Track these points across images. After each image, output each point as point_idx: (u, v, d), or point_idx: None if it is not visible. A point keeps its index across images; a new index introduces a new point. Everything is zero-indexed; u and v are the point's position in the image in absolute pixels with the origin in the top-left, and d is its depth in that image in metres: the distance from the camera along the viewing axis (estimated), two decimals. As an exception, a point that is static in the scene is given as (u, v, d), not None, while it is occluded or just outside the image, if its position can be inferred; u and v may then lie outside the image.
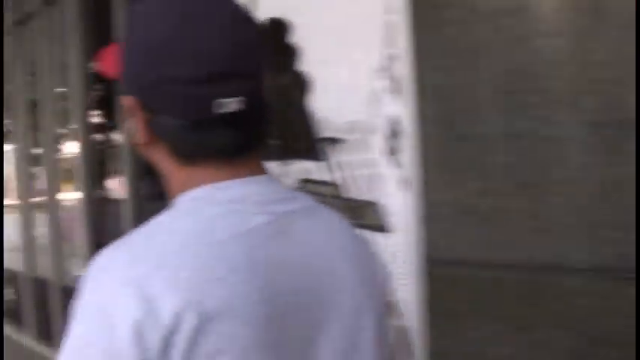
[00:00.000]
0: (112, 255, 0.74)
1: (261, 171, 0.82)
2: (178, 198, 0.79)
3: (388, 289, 0.94)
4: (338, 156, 2.15)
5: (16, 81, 5.22)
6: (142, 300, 0.68)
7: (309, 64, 2.23)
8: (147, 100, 0.78)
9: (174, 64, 0.74)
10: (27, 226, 5.34)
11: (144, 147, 0.82)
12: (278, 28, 2.30)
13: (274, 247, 0.76)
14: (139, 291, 0.68)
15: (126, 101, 0.81)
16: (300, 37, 2.25)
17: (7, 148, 5.69)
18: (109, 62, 0.88)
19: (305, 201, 0.85)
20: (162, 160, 0.81)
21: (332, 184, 2.19)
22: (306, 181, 2.27)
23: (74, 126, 4.37)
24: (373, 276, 0.88)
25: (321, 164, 2.21)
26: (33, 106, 5.02)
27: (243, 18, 0.79)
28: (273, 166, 2.25)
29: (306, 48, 2.24)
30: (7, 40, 5.18)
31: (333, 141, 2.17)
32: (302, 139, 2.28)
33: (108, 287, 0.70)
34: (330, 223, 0.86)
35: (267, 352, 0.72)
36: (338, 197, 2.15)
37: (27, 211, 5.34)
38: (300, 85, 2.25)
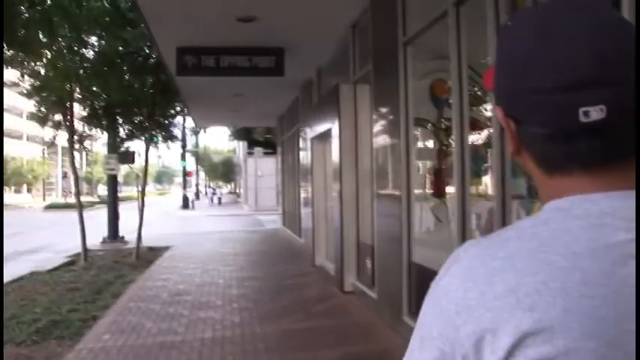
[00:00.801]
0: (467, 248, 0.82)
1: (629, 184, 0.78)
2: (544, 206, 0.81)
3: None
4: None
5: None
6: None
7: None
8: (513, 110, 0.82)
9: (537, 74, 0.76)
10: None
11: (515, 155, 0.86)
12: None
13: (633, 267, 0.72)
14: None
15: (497, 112, 0.86)
16: None
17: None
18: (489, 77, 0.99)
19: None
20: (531, 168, 0.85)
21: None
22: None
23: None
24: None
25: None
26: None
27: (613, 21, 0.78)
28: None
29: None
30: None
31: None
32: None
33: (454, 277, 0.79)
34: None
35: None
36: None
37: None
38: None
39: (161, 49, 10.35)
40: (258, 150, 36.95)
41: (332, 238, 10.61)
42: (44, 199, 70.02)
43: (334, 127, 9.17)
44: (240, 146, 46.95)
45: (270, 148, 30.68)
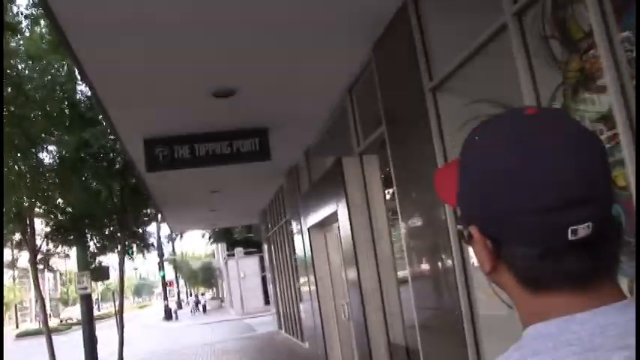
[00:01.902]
0: None
1: (616, 296, 0.78)
2: (528, 330, 0.80)
3: None
4: None
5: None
6: None
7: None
8: (494, 230, 0.80)
9: (523, 194, 0.76)
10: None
11: (489, 274, 0.84)
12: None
13: None
14: None
15: (468, 231, 0.84)
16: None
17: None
18: (446, 189, 0.90)
19: None
20: (511, 286, 0.83)
21: None
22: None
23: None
24: None
25: None
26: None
27: (586, 136, 0.79)
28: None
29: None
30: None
31: None
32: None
33: None
34: None
35: None
36: None
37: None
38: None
39: (126, 144, 8.99)
40: (238, 250, 35.30)
41: (348, 341, 8.98)
42: (17, 326, 66.52)
43: (340, 208, 7.76)
44: (219, 248, 45.19)
45: (252, 246, 29.01)
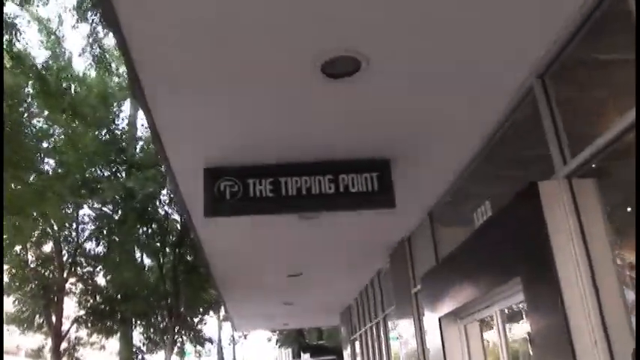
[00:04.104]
0: None
1: None
2: None
3: None
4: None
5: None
6: None
7: None
8: None
9: None
10: None
11: None
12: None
13: None
14: None
15: None
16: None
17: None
18: None
19: None
20: None
21: None
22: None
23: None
24: None
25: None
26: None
27: None
28: None
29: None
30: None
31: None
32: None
33: None
34: None
35: None
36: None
37: None
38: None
39: (178, 176, 6.02)
40: (305, 358, 31.31)
41: None
42: None
43: (527, 274, 4.43)
44: (283, 355, 41.06)
45: (325, 354, 25.17)
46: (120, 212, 9.96)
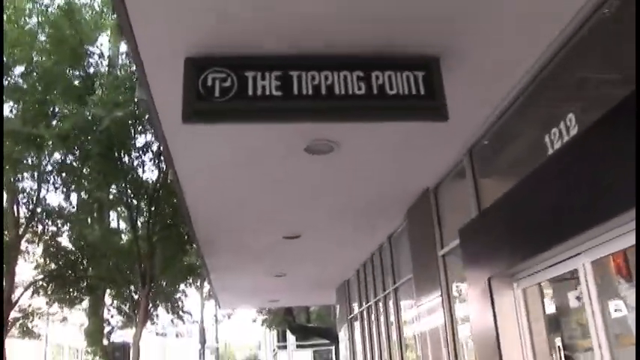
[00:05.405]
0: None
1: None
2: None
3: None
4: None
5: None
6: None
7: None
8: None
9: None
10: None
11: None
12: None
13: None
14: None
15: None
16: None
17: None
18: None
19: None
20: None
21: None
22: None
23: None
24: None
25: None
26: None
27: None
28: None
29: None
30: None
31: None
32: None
33: None
34: None
35: None
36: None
37: None
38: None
39: (149, 72, 4.35)
40: (291, 341, 29.93)
41: None
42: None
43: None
44: (267, 338, 39.60)
45: (320, 335, 23.56)
46: (82, 153, 8.33)
